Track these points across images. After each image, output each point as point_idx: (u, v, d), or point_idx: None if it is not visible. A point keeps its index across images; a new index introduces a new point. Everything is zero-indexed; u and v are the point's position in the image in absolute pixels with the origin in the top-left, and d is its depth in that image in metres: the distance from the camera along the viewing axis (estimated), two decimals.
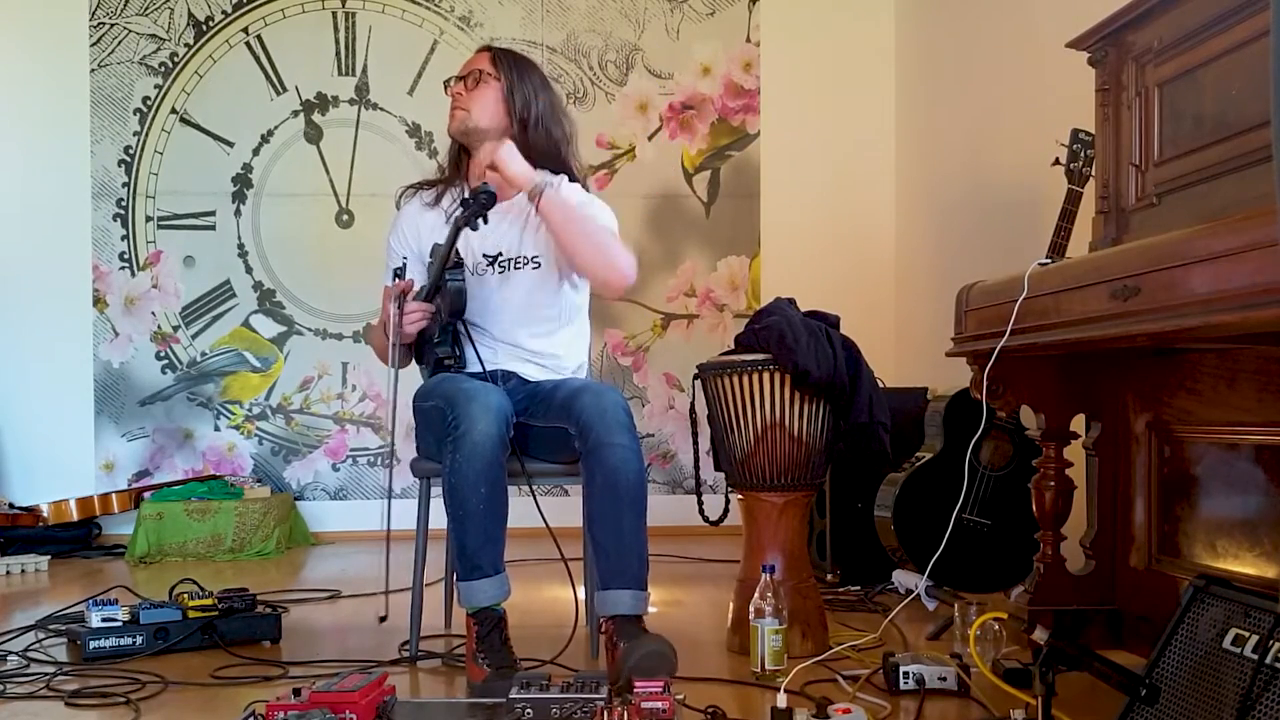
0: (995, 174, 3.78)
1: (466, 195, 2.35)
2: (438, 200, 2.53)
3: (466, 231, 2.37)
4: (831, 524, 3.30)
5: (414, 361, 2.52)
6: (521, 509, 2.30)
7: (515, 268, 2.46)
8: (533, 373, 2.46)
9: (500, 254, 2.47)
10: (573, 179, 2.49)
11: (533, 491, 2.31)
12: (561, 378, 2.47)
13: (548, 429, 2.30)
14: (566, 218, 2.32)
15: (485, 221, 2.31)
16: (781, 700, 1.80)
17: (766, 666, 2.16)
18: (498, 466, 2.16)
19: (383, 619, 2.46)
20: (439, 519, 2.26)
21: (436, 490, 2.48)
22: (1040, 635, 1.65)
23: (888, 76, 4.79)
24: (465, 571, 2.18)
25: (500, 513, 2.18)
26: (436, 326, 2.38)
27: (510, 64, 2.47)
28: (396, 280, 2.35)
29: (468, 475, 2.13)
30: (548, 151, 2.47)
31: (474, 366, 2.42)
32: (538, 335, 2.47)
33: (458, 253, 2.38)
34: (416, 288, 2.39)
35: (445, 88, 2.50)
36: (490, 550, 2.18)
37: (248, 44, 4.61)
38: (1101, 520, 2.32)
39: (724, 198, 4.77)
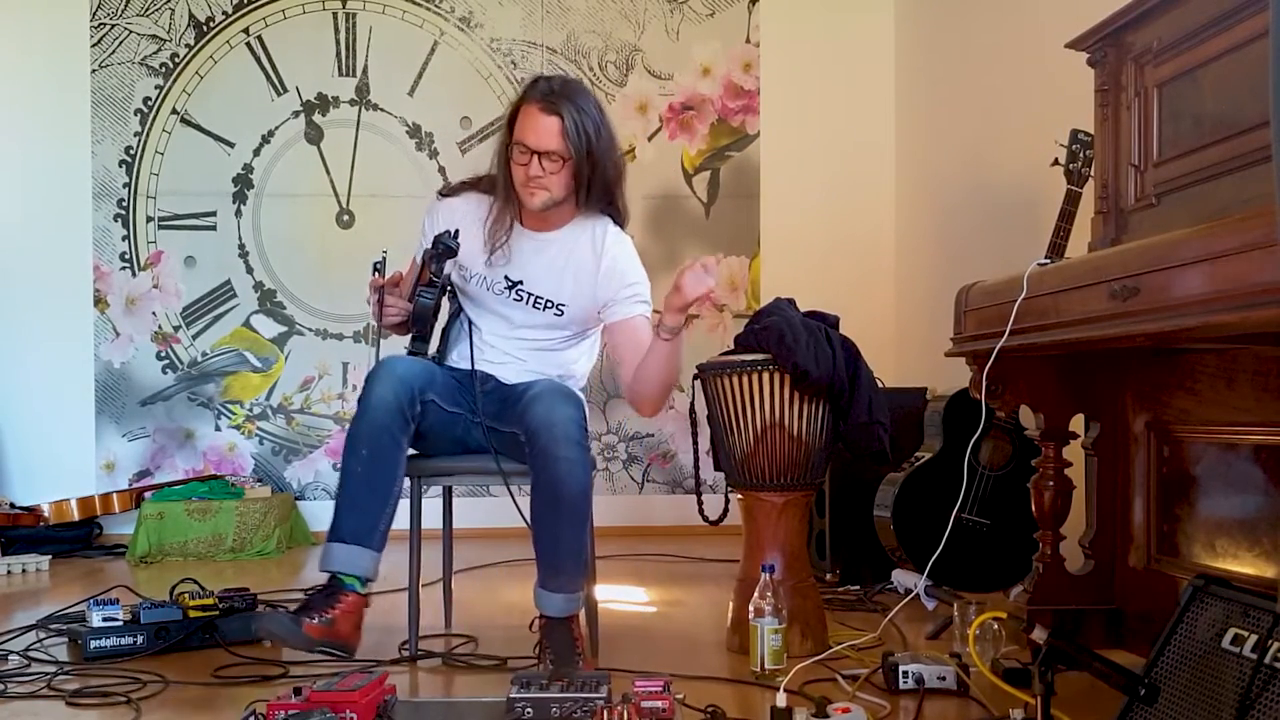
0: (995, 174, 3.78)
1: (440, 234, 2.31)
2: (490, 206, 2.43)
3: (492, 246, 2.39)
4: (831, 524, 3.31)
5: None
6: (515, 509, 2.29)
7: (534, 305, 2.41)
8: (513, 375, 2.43)
9: (522, 283, 2.41)
10: (616, 220, 2.44)
11: (510, 491, 2.31)
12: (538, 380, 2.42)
13: (510, 434, 2.30)
14: (668, 363, 2.32)
15: (440, 265, 2.31)
16: (781, 700, 1.80)
17: (766, 666, 2.16)
18: (385, 434, 2.17)
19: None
20: (434, 519, 2.25)
21: (434, 491, 2.49)
22: (1039, 635, 1.65)
23: (887, 77, 4.79)
24: (330, 531, 2.20)
25: (378, 486, 2.18)
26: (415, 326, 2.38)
27: (580, 130, 2.27)
28: (376, 274, 2.33)
29: (353, 435, 2.17)
30: (601, 199, 2.40)
31: (464, 364, 2.42)
32: (526, 347, 2.46)
33: (435, 274, 2.33)
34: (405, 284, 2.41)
35: (508, 148, 2.32)
36: (355, 518, 2.18)
37: (248, 44, 4.61)
38: (1101, 520, 2.32)
39: (724, 198, 4.77)
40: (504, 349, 2.45)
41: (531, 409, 2.21)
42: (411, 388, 2.22)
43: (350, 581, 2.19)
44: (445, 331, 2.53)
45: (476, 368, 2.41)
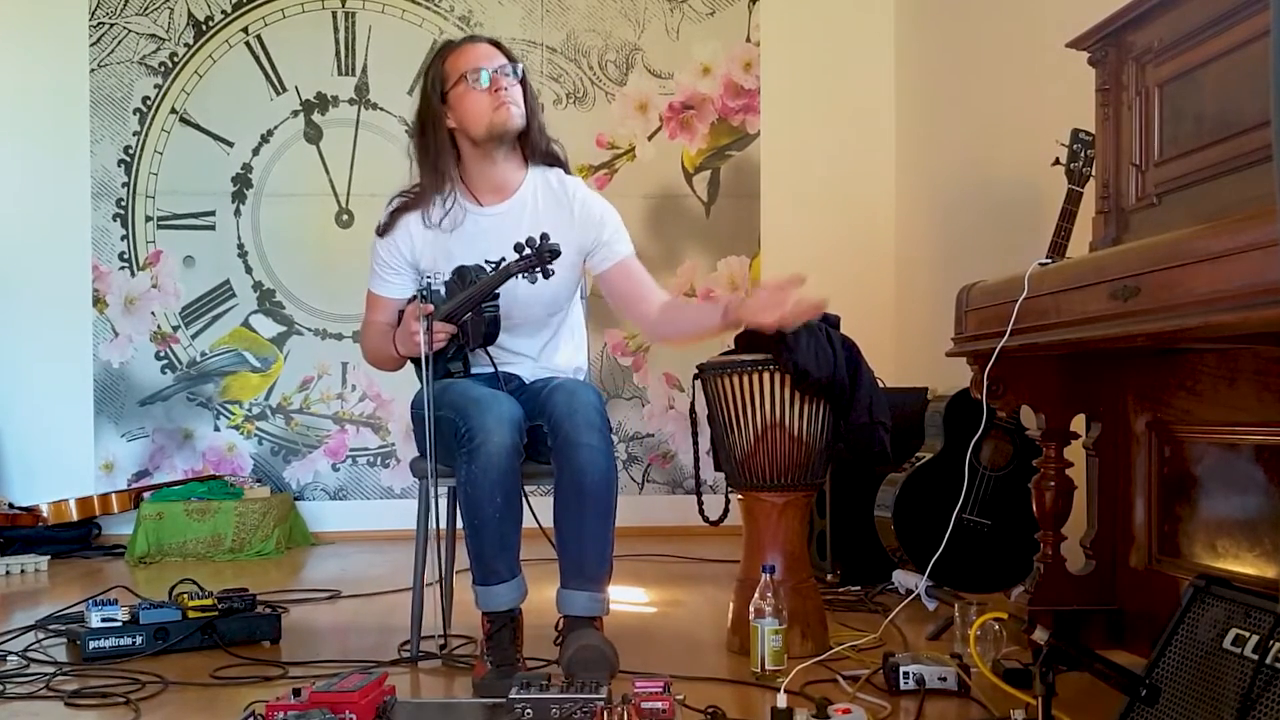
0: (995, 174, 3.77)
1: (529, 241, 2.16)
2: (428, 211, 2.41)
3: (465, 236, 2.36)
4: (832, 524, 3.30)
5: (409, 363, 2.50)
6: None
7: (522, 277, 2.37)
8: (529, 372, 2.45)
9: (503, 259, 2.33)
10: (559, 163, 2.45)
11: (524, 494, 2.30)
12: (556, 377, 2.43)
13: (534, 428, 2.28)
14: (704, 333, 2.36)
15: (546, 276, 2.18)
16: (781, 700, 1.80)
17: (766, 666, 2.16)
18: (512, 474, 2.16)
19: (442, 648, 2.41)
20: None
21: (438, 490, 2.47)
22: (1040, 635, 1.65)
23: (888, 76, 4.79)
24: (482, 576, 2.19)
25: (516, 518, 2.18)
26: (453, 346, 2.33)
27: (509, 49, 2.42)
28: (422, 302, 2.26)
29: (483, 486, 2.12)
30: (542, 143, 2.42)
31: (484, 368, 2.40)
32: (535, 343, 2.46)
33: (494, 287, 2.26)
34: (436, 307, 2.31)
35: (468, 78, 2.33)
36: (506, 556, 2.19)
37: (247, 44, 4.60)
38: (1101, 520, 2.32)
39: (724, 198, 4.77)
40: (509, 346, 2.43)
41: (552, 399, 2.22)
42: (520, 423, 2.19)
43: (516, 609, 2.22)
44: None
45: (502, 369, 2.40)
